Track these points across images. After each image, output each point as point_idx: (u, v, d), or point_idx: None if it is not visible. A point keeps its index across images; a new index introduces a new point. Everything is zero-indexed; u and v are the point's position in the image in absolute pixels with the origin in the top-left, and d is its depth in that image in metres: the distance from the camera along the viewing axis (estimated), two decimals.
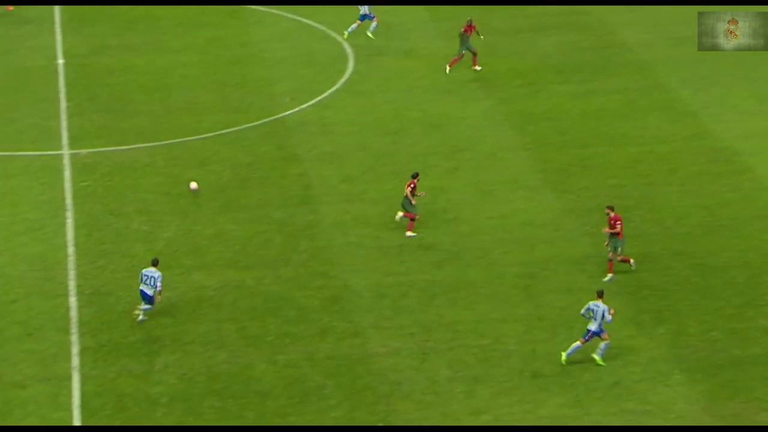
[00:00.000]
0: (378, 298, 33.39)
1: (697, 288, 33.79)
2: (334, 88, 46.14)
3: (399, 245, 35.90)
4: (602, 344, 30.74)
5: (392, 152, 41.48)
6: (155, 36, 50.73)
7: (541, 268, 34.77)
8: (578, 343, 30.72)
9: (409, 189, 35.86)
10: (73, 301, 33.06)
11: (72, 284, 33.77)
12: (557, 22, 48.87)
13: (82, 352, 30.97)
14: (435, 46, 49.75)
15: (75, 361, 30.64)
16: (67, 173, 39.79)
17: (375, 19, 49.34)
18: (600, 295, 30.98)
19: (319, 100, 45.18)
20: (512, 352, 31.25)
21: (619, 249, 34.29)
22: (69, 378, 29.99)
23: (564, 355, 30.64)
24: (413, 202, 35.98)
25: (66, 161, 40.60)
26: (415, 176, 36.24)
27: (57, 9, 53.06)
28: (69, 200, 38.06)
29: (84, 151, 40.90)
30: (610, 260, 34.31)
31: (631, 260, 34.50)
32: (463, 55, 46.48)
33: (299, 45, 49.92)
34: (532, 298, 33.43)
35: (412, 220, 36.11)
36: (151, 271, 31.66)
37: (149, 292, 31.71)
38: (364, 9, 49.38)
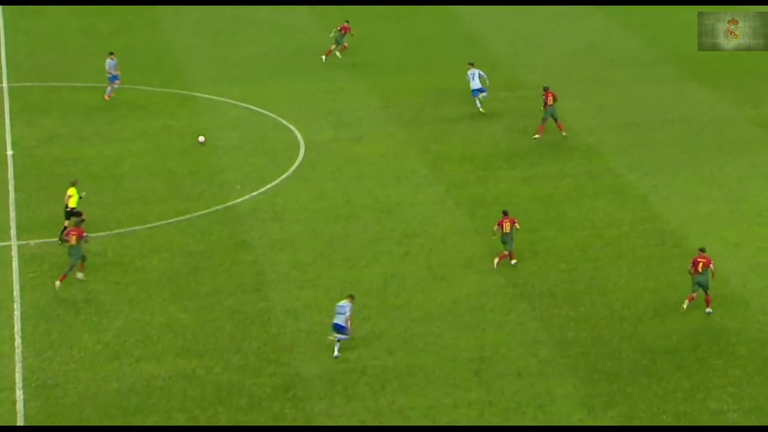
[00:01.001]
0: (330, 385, 33.22)
1: (647, 371, 33.91)
2: (285, 175, 46.30)
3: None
4: None
5: (344, 238, 41.58)
6: (106, 125, 50.77)
7: (492, 353, 34.82)
8: None
9: (515, 224, 39.16)
10: (19, 394, 32.62)
11: (18, 377, 33.34)
12: (506, 108, 49.45)
13: None
14: (385, 132, 50.16)
15: None
16: (15, 264, 39.49)
17: (486, 92, 50.30)
18: None
19: (271, 187, 45.30)
20: None
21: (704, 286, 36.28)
22: None
23: None
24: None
25: (14, 252, 40.31)
26: (506, 213, 39.44)
27: (7, 100, 52.97)
28: (17, 291, 37.73)
29: (33, 242, 40.64)
30: (707, 297, 36.40)
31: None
32: (545, 121, 48.15)
33: (251, 133, 50.13)
34: (484, 383, 33.41)
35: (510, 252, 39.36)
36: (344, 303, 34.30)
37: (341, 322, 33.99)
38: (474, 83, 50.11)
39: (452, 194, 44.81)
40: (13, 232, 41.63)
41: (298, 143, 49.11)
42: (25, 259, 39.80)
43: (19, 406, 32.09)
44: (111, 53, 51.81)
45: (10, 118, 51.24)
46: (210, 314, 36.62)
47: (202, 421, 31.57)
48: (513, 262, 39.42)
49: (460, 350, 35.02)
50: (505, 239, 39.35)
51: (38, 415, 31.75)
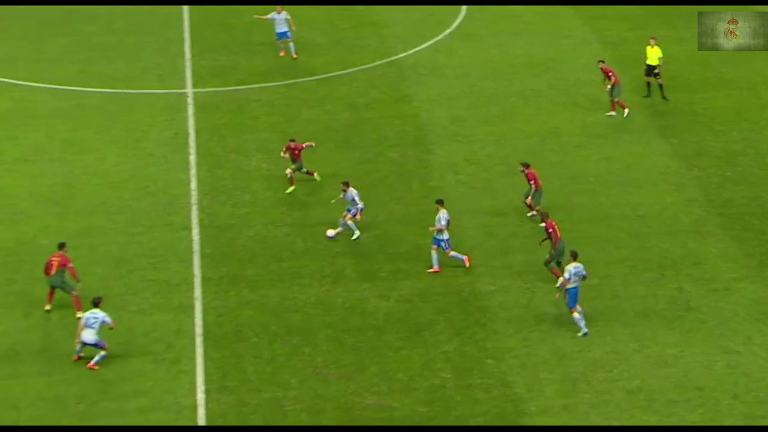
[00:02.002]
0: (487, 237, 32.78)
1: None
2: (446, 32, 45.31)
3: (508, 186, 35.20)
4: None
5: (501, 94, 40.67)
6: None
7: (646, 211, 33.94)
8: None
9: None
10: (195, 234, 33.02)
11: (194, 218, 33.70)
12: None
13: (204, 283, 30.94)
14: None
15: (197, 291, 30.63)
16: (190, 111, 39.71)
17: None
18: None
19: (431, 44, 44.42)
20: (619, 291, 30.52)
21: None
22: (192, 307, 29.99)
23: None
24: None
25: (189, 99, 40.50)
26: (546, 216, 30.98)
27: None
28: (192, 138, 37.98)
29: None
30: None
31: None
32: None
33: None
34: (638, 240, 32.60)
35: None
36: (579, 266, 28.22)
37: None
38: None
39: (609, 53, 43.29)
40: (188, 80, 41.77)
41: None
42: (200, 107, 39.97)
43: (195, 246, 32.48)
44: (280, 5, 43.17)
45: None
46: (373, 165, 36.33)
47: (366, 267, 31.49)
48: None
49: (614, 207, 34.17)
50: (562, 249, 30.05)
51: (213, 254, 32.10)
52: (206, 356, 28.17)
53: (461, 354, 28.33)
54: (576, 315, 28.93)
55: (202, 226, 33.32)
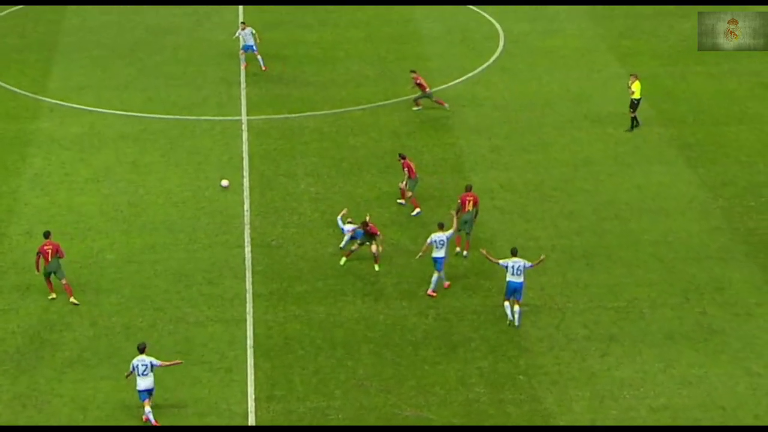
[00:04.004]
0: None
1: None
2: (484, 65, 45.46)
3: (542, 211, 35.25)
4: None
5: (537, 125, 40.72)
6: (324, 14, 50.67)
7: (673, 237, 33.84)
8: None
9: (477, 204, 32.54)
10: (248, 252, 33.32)
11: (247, 237, 34.02)
12: (698, 7, 47.24)
13: (255, 298, 31.22)
14: (580, 26, 48.65)
15: (249, 306, 30.92)
16: (245, 137, 40.09)
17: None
18: None
19: (471, 77, 44.57)
20: (646, 314, 30.44)
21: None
22: (243, 321, 30.27)
23: None
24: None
25: (244, 126, 40.90)
26: (469, 188, 33.07)
27: None
28: (246, 161, 38.34)
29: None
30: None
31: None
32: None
33: (455, 24, 49.28)
34: (664, 265, 32.52)
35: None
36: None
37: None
38: None
39: (641, 86, 43.13)
40: (243, 108, 42.19)
41: (499, 35, 48.05)
42: (254, 132, 40.35)
43: (248, 263, 32.79)
44: (242, 22, 45.61)
45: (243, 5, 51.56)
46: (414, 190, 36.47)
47: (406, 287, 31.62)
48: (465, 253, 32.36)
49: (643, 233, 34.11)
50: (466, 219, 32.25)
51: (264, 271, 32.38)
52: (256, 366, 28.42)
53: (495, 370, 28.38)
54: (507, 304, 29.47)
55: (254, 244, 33.63)
